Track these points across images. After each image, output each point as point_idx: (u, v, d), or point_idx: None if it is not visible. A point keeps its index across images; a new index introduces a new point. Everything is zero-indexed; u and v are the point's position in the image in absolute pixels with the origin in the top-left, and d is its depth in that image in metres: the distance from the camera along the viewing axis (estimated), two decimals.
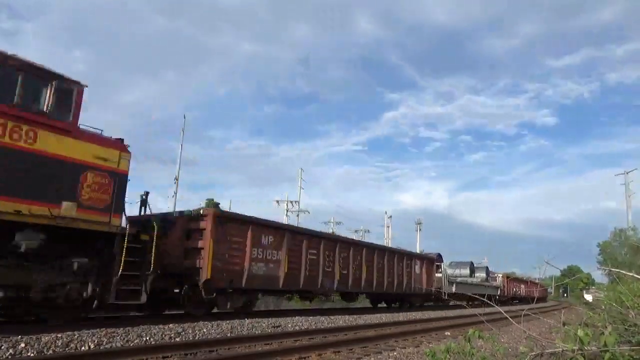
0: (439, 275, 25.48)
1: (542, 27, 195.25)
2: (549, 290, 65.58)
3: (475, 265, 40.68)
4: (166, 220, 11.63)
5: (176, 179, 28.14)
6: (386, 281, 19.00)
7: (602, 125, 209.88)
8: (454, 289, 27.10)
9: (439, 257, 27.79)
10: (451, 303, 29.27)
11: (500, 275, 40.36)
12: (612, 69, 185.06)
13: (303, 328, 10.98)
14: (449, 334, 11.49)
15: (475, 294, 28.26)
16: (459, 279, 31.32)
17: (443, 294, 24.46)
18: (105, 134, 9.20)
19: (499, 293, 36.58)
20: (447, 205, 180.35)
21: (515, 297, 42.56)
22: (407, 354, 8.13)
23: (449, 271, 36.40)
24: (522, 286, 46.54)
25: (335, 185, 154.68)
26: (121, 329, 8.21)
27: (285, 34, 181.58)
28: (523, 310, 5.70)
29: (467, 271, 36.56)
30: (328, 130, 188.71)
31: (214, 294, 11.32)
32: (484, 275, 38.11)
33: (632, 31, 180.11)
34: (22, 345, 6.48)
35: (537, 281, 53.02)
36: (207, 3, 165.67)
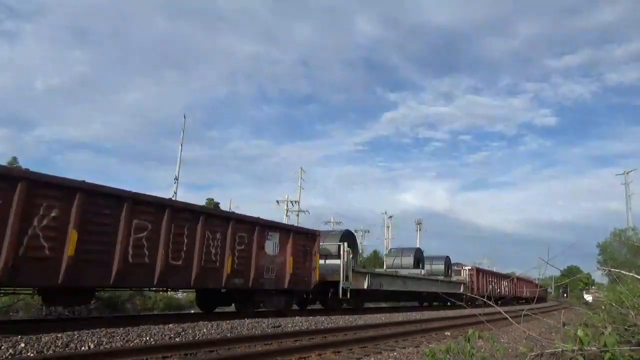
0: (335, 262, 16.79)
1: (542, 27, 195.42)
2: (548, 290, 65.37)
3: (432, 255, 31.50)
4: None
5: (176, 178, 28.14)
6: (162, 265, 10.12)
7: (602, 126, 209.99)
8: (366, 284, 18.17)
9: (346, 236, 18.97)
10: (367, 306, 20.95)
11: (468, 267, 31.89)
12: (612, 69, 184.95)
13: (303, 328, 10.98)
14: (448, 334, 11.48)
15: (416, 291, 22.97)
16: (377, 271, 21.59)
17: (340, 291, 16.24)
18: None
19: (462, 290, 28.51)
20: (447, 205, 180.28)
21: (491, 297, 34.00)
22: (407, 354, 8.13)
23: (388, 261, 28.51)
24: (505, 283, 38.82)
25: (335, 185, 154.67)
26: (121, 329, 8.22)
27: (285, 34, 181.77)
28: (523, 310, 5.70)
29: (409, 260, 27.20)
30: (328, 130, 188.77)
31: None
32: (441, 267, 29.25)
33: (632, 31, 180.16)
34: (22, 345, 6.49)
35: (532, 279, 46.54)
36: (207, 3, 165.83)
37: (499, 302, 6.98)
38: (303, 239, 15.16)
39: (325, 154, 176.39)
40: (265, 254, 13.34)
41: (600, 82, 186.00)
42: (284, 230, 14.59)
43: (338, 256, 17.02)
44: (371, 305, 23.26)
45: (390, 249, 32.97)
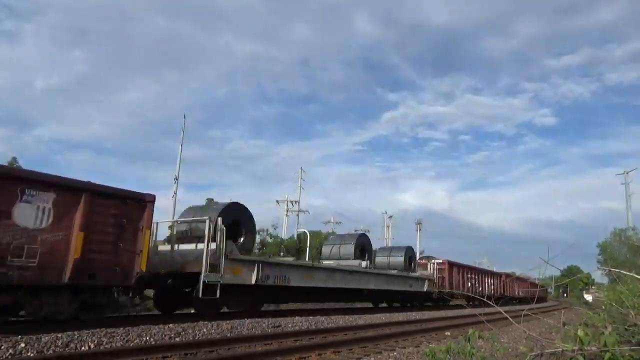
0: (199, 246, 11.86)
1: (542, 27, 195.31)
2: (549, 290, 65.28)
3: (390, 245, 26.54)
4: None
5: (176, 178, 28.12)
6: None
7: (602, 125, 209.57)
8: (254, 278, 12.78)
9: (230, 210, 13.20)
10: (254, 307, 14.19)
11: (438, 261, 26.87)
12: (612, 68, 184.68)
13: (303, 328, 10.99)
14: (448, 334, 11.50)
15: (351, 289, 17.72)
16: (279, 260, 16.07)
17: (201, 287, 11.02)
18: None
19: (426, 288, 23.81)
20: (447, 205, 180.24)
21: (470, 296, 27.23)
22: (407, 354, 8.14)
23: (325, 250, 22.35)
24: (490, 281, 34.27)
25: (335, 185, 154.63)
26: (121, 329, 8.22)
27: (285, 34, 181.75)
28: (523, 310, 5.71)
29: (349, 249, 21.04)
30: (328, 130, 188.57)
31: None
32: (400, 259, 23.92)
33: (632, 31, 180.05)
34: (22, 345, 6.49)
35: (526, 278, 41.47)
36: (206, 2, 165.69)
37: (499, 302, 6.98)
38: (113, 206, 9.93)
39: (325, 154, 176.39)
40: (15, 225, 8.26)
41: (600, 82, 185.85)
42: (66, 189, 9.17)
43: (211, 234, 11.74)
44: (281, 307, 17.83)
45: (329, 235, 26.47)
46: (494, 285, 34.52)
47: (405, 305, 23.78)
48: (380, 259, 24.38)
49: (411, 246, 26.94)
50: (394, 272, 22.03)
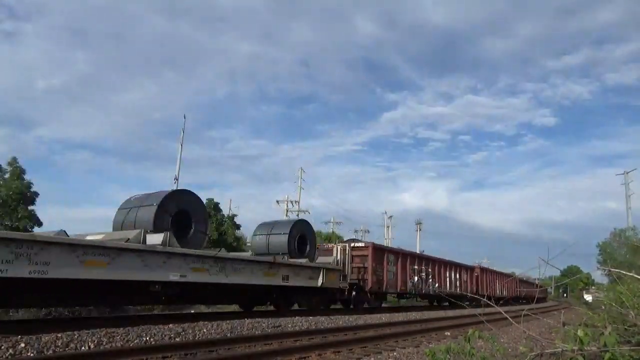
0: None
1: (542, 28, 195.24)
2: (548, 290, 65.16)
3: (275, 220, 17.24)
4: None
5: (176, 179, 28.09)
6: None
7: (601, 125, 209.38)
8: None
9: None
10: None
11: (356, 244, 19.23)
12: (611, 69, 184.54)
13: (303, 328, 10.98)
14: (448, 334, 11.50)
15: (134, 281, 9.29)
16: None
17: None
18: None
19: (321, 283, 15.22)
20: (447, 205, 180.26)
21: (403, 293, 21.21)
22: (407, 354, 8.14)
23: (117, 216, 12.07)
24: (454, 276, 26.40)
25: (335, 185, 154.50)
26: (121, 329, 8.21)
27: (285, 34, 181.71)
28: (523, 310, 5.71)
29: (147, 214, 10.95)
30: (328, 130, 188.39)
31: None
32: (282, 239, 15.45)
33: (631, 31, 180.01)
34: (22, 345, 6.49)
35: (509, 273, 34.25)
36: (206, 3, 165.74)
37: (499, 303, 6.97)
38: None
39: (325, 154, 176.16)
40: None
41: (600, 82, 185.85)
42: None
43: None
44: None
45: (129, 198, 12.88)
46: (460, 281, 27.06)
47: (279, 307, 15.53)
48: (259, 239, 16.45)
49: (306, 220, 18.34)
50: (247, 255, 14.51)
